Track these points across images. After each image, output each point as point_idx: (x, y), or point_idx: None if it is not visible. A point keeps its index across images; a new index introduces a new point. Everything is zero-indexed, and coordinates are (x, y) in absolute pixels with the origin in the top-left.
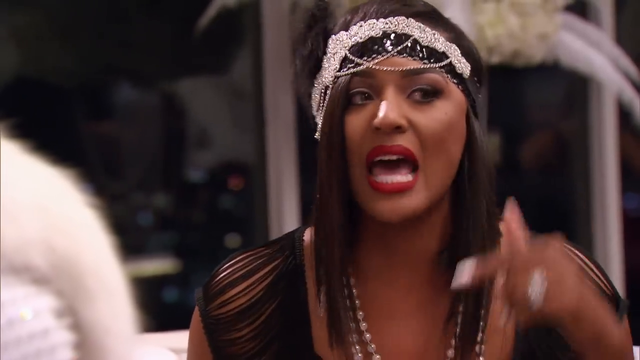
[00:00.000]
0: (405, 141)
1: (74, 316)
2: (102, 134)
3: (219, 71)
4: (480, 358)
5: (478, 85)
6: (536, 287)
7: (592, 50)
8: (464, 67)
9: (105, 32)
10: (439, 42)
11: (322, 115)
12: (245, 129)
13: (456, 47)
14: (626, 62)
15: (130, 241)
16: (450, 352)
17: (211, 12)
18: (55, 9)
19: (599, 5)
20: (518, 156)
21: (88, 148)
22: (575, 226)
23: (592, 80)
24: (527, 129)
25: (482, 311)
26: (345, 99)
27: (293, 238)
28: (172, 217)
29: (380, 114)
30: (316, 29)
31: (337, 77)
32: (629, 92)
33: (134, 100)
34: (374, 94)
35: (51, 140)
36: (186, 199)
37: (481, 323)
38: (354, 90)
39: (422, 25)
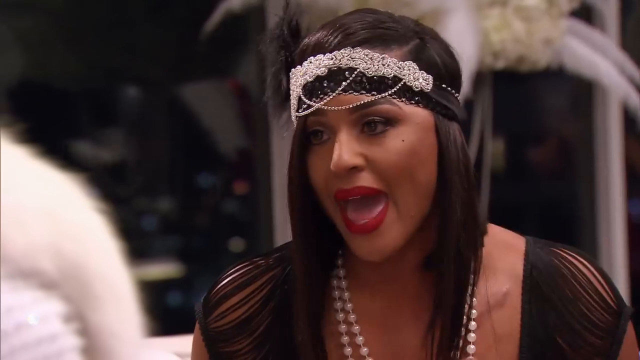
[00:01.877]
0: (365, 180)
1: (81, 321)
2: (107, 138)
3: (225, 75)
4: None
5: (450, 88)
6: None
7: (597, 56)
8: (423, 82)
9: (110, 37)
10: (388, 66)
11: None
12: (251, 133)
13: (412, 64)
14: (631, 68)
15: (134, 245)
16: None
17: (216, 16)
18: (61, 14)
19: (604, 11)
20: (523, 161)
21: (92, 152)
22: (580, 232)
23: (597, 86)
24: (532, 134)
25: (470, 322)
26: (304, 139)
27: (291, 249)
28: (177, 221)
29: (334, 157)
30: (278, 64)
31: (296, 117)
32: (634, 98)
33: (139, 104)
34: (330, 133)
35: (56, 144)
36: (191, 204)
37: (473, 334)
38: (311, 129)
39: (369, 53)
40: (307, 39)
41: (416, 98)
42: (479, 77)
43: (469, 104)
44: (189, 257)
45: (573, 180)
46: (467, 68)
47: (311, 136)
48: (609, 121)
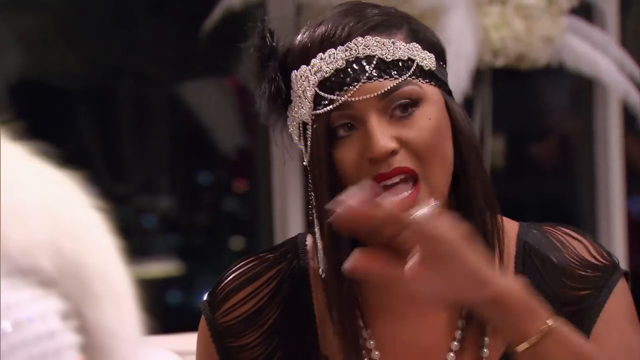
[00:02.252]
0: (401, 161)
1: (80, 319)
2: (107, 136)
3: (224, 73)
4: None
5: (443, 65)
6: (422, 210)
7: (597, 53)
8: (429, 61)
9: (110, 35)
10: (400, 49)
11: (307, 148)
12: (251, 131)
13: (416, 44)
14: (631, 65)
15: (134, 243)
16: (451, 356)
17: (216, 14)
18: (60, 12)
19: (604, 8)
20: (523, 159)
21: (92, 150)
22: (580, 229)
23: (597, 83)
24: (532, 132)
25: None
26: (329, 135)
27: (296, 243)
28: (177, 219)
29: (374, 145)
30: (271, 71)
31: (315, 116)
32: (634, 95)
33: (139, 103)
34: (357, 124)
35: (55, 143)
36: (191, 202)
37: (485, 350)
38: (336, 124)
39: (379, 39)
40: (305, 39)
41: (428, 77)
42: (479, 75)
43: (469, 102)
44: (189, 255)
45: (573, 177)
46: (467, 66)
47: (337, 130)
48: (609, 119)
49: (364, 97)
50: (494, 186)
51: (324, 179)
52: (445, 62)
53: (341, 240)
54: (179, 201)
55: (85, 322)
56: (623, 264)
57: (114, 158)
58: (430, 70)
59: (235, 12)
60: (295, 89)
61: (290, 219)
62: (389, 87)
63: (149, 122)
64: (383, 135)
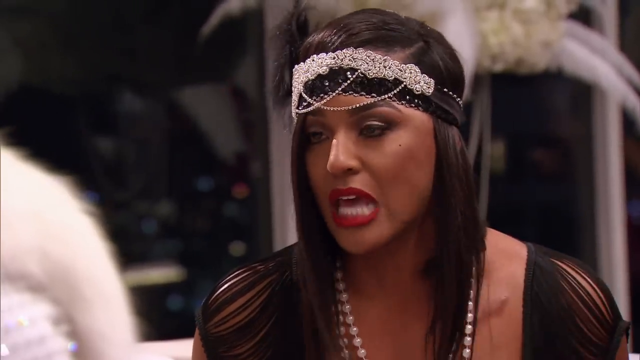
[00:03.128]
0: (358, 182)
1: (70, 323)
2: (106, 143)
3: (223, 79)
4: None
5: (452, 92)
6: None
7: (595, 58)
8: (424, 85)
9: (108, 41)
10: (390, 69)
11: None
12: (249, 137)
13: (414, 67)
14: (630, 70)
15: (134, 249)
16: None
17: (214, 20)
18: (59, 18)
19: (603, 13)
20: (522, 163)
21: (92, 156)
22: (580, 233)
23: (596, 88)
24: (532, 136)
25: (466, 326)
26: (303, 137)
27: (290, 254)
28: (176, 225)
29: (331, 158)
30: (282, 59)
31: (296, 114)
32: (632, 99)
33: (138, 109)
34: (328, 133)
35: (55, 149)
36: (190, 207)
37: (469, 339)
38: (310, 129)
39: (371, 54)
40: (311, 37)
41: (416, 101)
42: (478, 80)
43: (468, 107)
44: (189, 261)
45: (572, 182)
46: (466, 71)
47: (310, 136)
48: (608, 123)
49: (336, 108)
50: (493, 191)
51: (295, 178)
52: (454, 89)
53: (316, 240)
54: (178, 207)
55: (76, 327)
56: (622, 269)
57: (113, 164)
58: (421, 95)
59: (233, 17)
60: (293, 82)
61: (289, 224)
62: (361, 104)
63: (148, 128)
64: (344, 151)
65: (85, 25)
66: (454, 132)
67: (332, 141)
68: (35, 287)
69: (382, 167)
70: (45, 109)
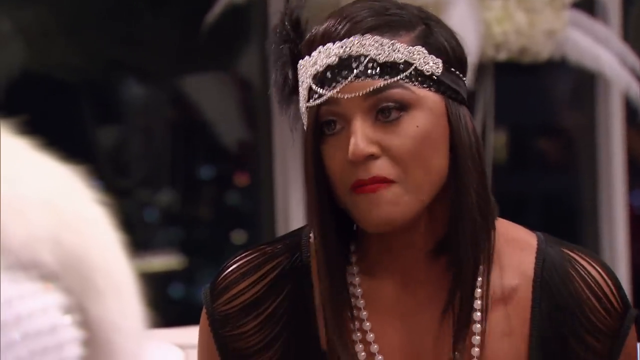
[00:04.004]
0: (380, 168)
1: (82, 313)
2: (108, 131)
3: (226, 67)
4: None
5: (458, 72)
6: None
7: (599, 47)
8: (433, 66)
9: (111, 28)
10: (399, 51)
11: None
12: (252, 125)
13: (421, 48)
14: (633, 59)
15: (136, 237)
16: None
17: (218, 8)
18: (62, 5)
19: (607, 2)
20: (525, 153)
21: (94, 144)
22: (582, 223)
23: (599, 77)
24: (535, 125)
25: (475, 312)
26: (317, 129)
27: (300, 236)
28: (178, 213)
29: (351, 147)
30: (283, 58)
31: (307, 107)
32: (636, 89)
33: (141, 97)
34: (344, 122)
35: (57, 136)
36: (192, 195)
37: (478, 325)
38: (324, 119)
39: (378, 39)
40: (314, 30)
41: (428, 82)
42: (481, 69)
43: (471, 96)
44: (190, 249)
45: (575, 171)
46: (469, 59)
47: (324, 127)
48: (611, 113)
49: (350, 95)
50: (496, 180)
51: (310, 172)
52: (460, 69)
53: (330, 232)
54: (181, 195)
55: (87, 316)
56: (625, 259)
57: (116, 152)
58: (431, 75)
59: (237, 5)
60: (300, 77)
61: (292, 212)
62: (375, 87)
63: (151, 116)
64: (363, 138)
65: (88, 12)
66: (465, 112)
67: (348, 130)
68: (48, 276)
69: (402, 149)
70: (47, 96)
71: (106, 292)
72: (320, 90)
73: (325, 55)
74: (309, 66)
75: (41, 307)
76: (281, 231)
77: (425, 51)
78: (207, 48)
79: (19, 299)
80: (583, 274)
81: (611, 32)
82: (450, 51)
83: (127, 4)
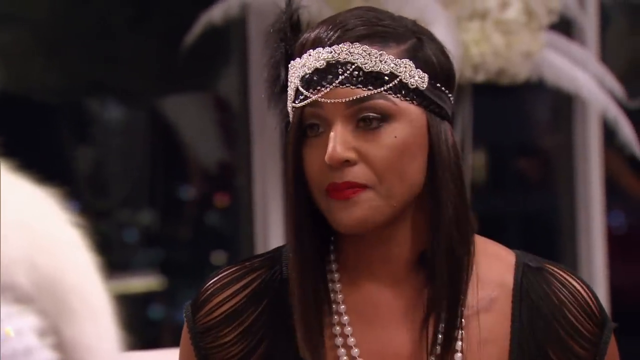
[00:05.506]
0: (355, 175)
1: (57, 335)
2: (88, 151)
3: (205, 88)
4: None
5: (444, 88)
6: None
7: (576, 69)
8: (419, 80)
9: (91, 49)
10: (386, 63)
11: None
12: (232, 146)
13: (408, 62)
14: (611, 81)
15: (115, 258)
16: (432, 359)
17: (197, 28)
18: (41, 26)
19: (584, 24)
20: (504, 173)
21: (73, 165)
22: (560, 243)
23: (576, 98)
24: (513, 146)
25: (457, 320)
26: (300, 130)
27: (280, 251)
28: (158, 234)
29: (329, 150)
30: (278, 55)
31: (293, 108)
32: (613, 110)
33: (120, 117)
34: (325, 126)
35: (35, 158)
36: (172, 216)
37: (460, 332)
38: (308, 122)
39: (367, 49)
40: (306, 34)
41: (411, 95)
42: (459, 90)
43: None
44: (170, 270)
45: (554, 192)
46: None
47: (307, 129)
48: (589, 134)
49: (333, 100)
50: (475, 200)
51: (290, 172)
52: (447, 85)
53: (306, 233)
54: (160, 215)
55: (62, 338)
56: (602, 279)
57: (94, 172)
58: (416, 89)
59: (216, 26)
60: (290, 77)
61: (271, 233)
62: (358, 97)
63: (130, 137)
64: (341, 142)
65: (67, 33)
66: (446, 127)
67: (328, 134)
68: (23, 299)
69: (379, 158)
70: (26, 117)
71: (81, 314)
72: (305, 92)
73: (314, 59)
74: (298, 67)
75: (16, 329)
76: (260, 251)
77: (412, 65)
78: (187, 69)
79: None
80: (564, 281)
81: (588, 53)
82: (437, 66)
83: (106, 24)
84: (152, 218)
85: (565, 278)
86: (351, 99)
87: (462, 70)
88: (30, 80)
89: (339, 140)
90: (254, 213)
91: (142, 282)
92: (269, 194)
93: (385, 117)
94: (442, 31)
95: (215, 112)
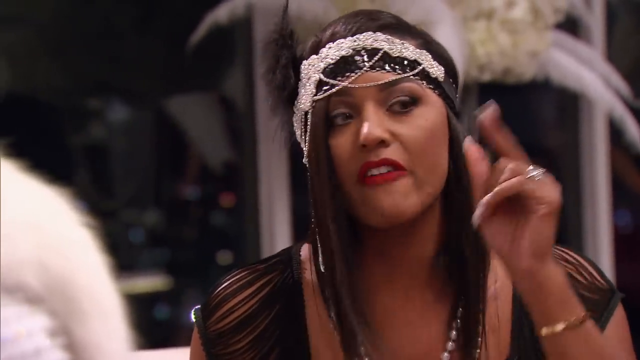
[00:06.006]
0: (390, 154)
1: (67, 336)
2: (93, 151)
3: (211, 88)
4: None
5: (454, 86)
6: (536, 172)
7: (582, 68)
8: (437, 71)
9: (96, 49)
10: (409, 50)
11: (306, 140)
12: (237, 146)
13: (427, 53)
14: (617, 80)
15: (121, 258)
16: (446, 356)
17: (203, 29)
18: (47, 26)
19: (590, 23)
20: None
21: (79, 165)
22: (566, 243)
23: (583, 98)
24: (519, 145)
25: (481, 315)
26: (327, 121)
27: (290, 254)
28: (164, 234)
29: (364, 130)
30: (284, 59)
31: (315, 102)
32: (619, 109)
33: (125, 117)
34: (354, 112)
35: (41, 158)
36: (178, 216)
37: (479, 327)
38: (334, 112)
39: (389, 37)
40: (318, 34)
41: (433, 84)
42: (465, 90)
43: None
44: (176, 270)
45: (559, 191)
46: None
47: (334, 118)
48: (595, 133)
49: (364, 85)
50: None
51: (322, 165)
52: (455, 82)
53: (342, 234)
54: (166, 216)
55: (72, 339)
56: (609, 278)
57: (100, 173)
58: (436, 79)
59: (222, 26)
60: (302, 77)
61: (277, 233)
62: (390, 80)
63: (136, 137)
64: (375, 123)
65: (72, 33)
66: (459, 124)
67: (358, 119)
68: (33, 299)
69: (413, 138)
70: (31, 117)
71: (91, 314)
72: (332, 81)
73: (336, 50)
74: (317, 62)
75: (26, 330)
76: (266, 252)
77: (430, 56)
78: (192, 69)
79: (5, 322)
80: (567, 257)
81: (595, 52)
82: (449, 62)
83: (112, 25)
84: (158, 218)
85: (570, 254)
86: (383, 82)
87: (468, 70)
88: (36, 80)
89: (373, 122)
90: (259, 213)
91: (148, 282)
92: (275, 193)
93: (415, 100)
94: (448, 31)
95: (220, 112)
